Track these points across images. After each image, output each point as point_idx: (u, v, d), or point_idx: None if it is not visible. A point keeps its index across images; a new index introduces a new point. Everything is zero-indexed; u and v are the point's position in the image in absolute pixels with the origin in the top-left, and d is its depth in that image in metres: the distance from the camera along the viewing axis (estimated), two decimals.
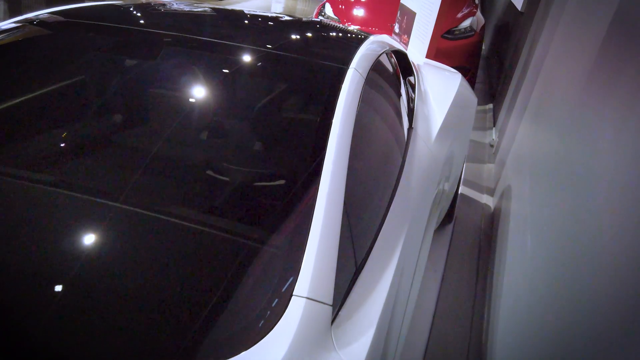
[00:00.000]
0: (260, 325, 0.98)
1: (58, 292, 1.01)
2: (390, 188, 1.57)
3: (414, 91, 2.36)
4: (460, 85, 2.93)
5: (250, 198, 1.31)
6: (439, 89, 2.72)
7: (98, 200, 1.20)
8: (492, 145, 4.62)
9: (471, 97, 3.21)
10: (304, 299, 1.02)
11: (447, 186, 2.53)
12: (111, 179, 1.29)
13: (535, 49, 3.71)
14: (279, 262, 1.11)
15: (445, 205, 2.85)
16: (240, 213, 1.26)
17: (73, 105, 1.62)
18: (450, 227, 3.17)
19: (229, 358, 0.91)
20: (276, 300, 1.02)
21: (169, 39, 1.76)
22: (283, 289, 1.03)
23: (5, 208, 1.20)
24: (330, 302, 1.07)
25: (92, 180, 1.30)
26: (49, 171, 1.34)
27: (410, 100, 2.21)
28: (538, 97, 3.19)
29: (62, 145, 1.46)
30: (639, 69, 1.41)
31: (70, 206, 1.20)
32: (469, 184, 3.82)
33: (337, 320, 1.09)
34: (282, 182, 1.37)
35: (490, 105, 5.68)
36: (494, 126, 4.98)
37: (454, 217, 3.24)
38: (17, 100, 1.59)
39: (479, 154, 4.39)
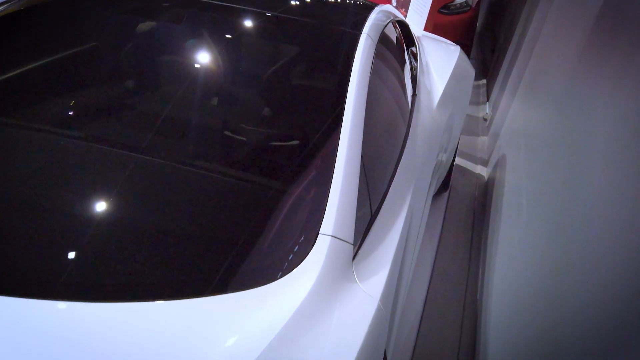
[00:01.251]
0: (291, 258, 1.10)
1: (108, 228, 1.12)
2: (398, 147, 1.69)
3: (415, 61, 2.46)
4: (459, 57, 3.03)
5: (280, 149, 1.42)
6: (439, 60, 2.82)
7: (140, 154, 1.31)
8: (485, 119, 4.74)
9: (469, 69, 3.32)
10: (329, 237, 1.14)
11: (444, 157, 2.65)
12: (153, 132, 1.39)
13: (530, 23, 3.80)
14: (307, 205, 1.23)
15: (442, 174, 2.98)
16: (273, 163, 1.38)
17: (98, 64, 1.70)
18: (446, 194, 3.30)
19: (265, 284, 1.03)
20: (305, 237, 1.14)
21: (188, 3, 1.85)
22: (311, 228, 1.15)
23: (38, 158, 1.30)
24: (352, 241, 1.19)
25: (133, 132, 1.40)
26: (78, 125, 1.43)
27: (413, 69, 2.32)
28: (532, 71, 3.29)
29: (89, 102, 1.55)
30: (632, 41, 1.51)
31: (112, 155, 1.31)
32: (464, 155, 3.95)
33: (357, 257, 1.21)
34: (307, 134, 1.48)
35: (484, 81, 5.79)
36: (488, 100, 5.10)
37: (450, 186, 3.37)
38: (39, 62, 1.66)
39: (473, 127, 4.51)
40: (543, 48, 3.14)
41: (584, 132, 1.69)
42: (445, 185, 3.29)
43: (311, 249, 1.11)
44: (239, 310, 0.98)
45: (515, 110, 3.50)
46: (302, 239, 1.14)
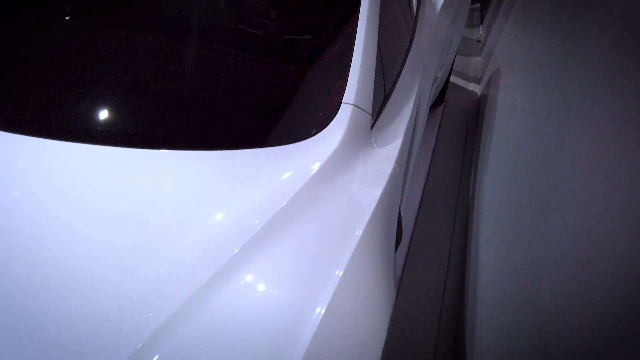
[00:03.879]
0: (319, 122, 1.23)
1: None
2: (408, 37, 1.79)
3: None
4: None
5: (308, 30, 1.52)
6: None
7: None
8: (479, 41, 4.81)
9: None
10: (351, 105, 1.26)
11: (441, 73, 2.75)
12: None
13: None
14: (331, 78, 1.34)
15: (438, 88, 3.09)
16: (302, 42, 1.49)
17: None
18: (440, 108, 3.43)
19: (298, 141, 1.17)
20: (330, 105, 1.27)
21: None
22: (335, 98, 1.28)
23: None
24: (370, 112, 1.32)
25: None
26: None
27: None
28: None
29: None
30: None
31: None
32: (458, 74, 4.05)
33: (374, 127, 1.35)
34: (331, 16, 1.57)
35: (478, 5, 5.80)
36: (482, 23, 5.14)
37: (444, 100, 3.49)
38: None
39: (466, 48, 4.58)
40: None
41: (577, 48, 1.73)
42: (440, 99, 3.41)
43: (335, 115, 1.24)
44: (278, 160, 1.12)
45: (508, 32, 3.57)
46: (328, 106, 1.26)
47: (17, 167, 1.04)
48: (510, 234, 1.83)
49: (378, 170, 1.25)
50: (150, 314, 0.84)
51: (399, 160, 1.32)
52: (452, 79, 3.84)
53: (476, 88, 3.88)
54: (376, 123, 1.37)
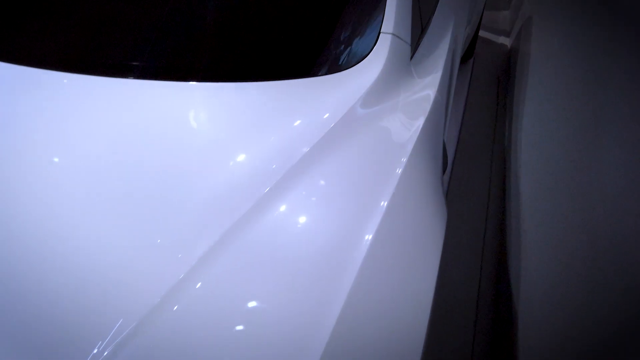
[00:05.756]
0: (360, 51, 1.23)
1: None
2: None
3: None
4: None
5: None
6: None
7: None
8: None
9: None
10: (390, 35, 1.26)
11: (469, 29, 2.70)
12: None
13: None
14: (369, 8, 1.34)
15: (468, 39, 3.04)
16: None
17: None
18: (471, 61, 3.38)
19: (342, 71, 1.18)
20: (370, 35, 1.27)
21: None
22: (374, 27, 1.28)
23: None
24: (409, 42, 1.32)
25: None
26: None
27: None
28: None
29: None
30: None
31: None
32: (486, 28, 3.97)
33: (413, 58, 1.35)
34: None
35: None
36: None
37: (474, 53, 3.44)
38: None
39: (494, 2, 4.48)
40: None
41: None
42: (469, 53, 3.35)
43: (375, 45, 1.24)
44: (318, 92, 1.13)
45: None
46: (367, 36, 1.27)
47: (41, 103, 1.05)
48: (549, 180, 1.82)
49: (420, 98, 1.25)
50: (180, 255, 0.83)
51: (440, 90, 1.32)
52: (481, 33, 3.77)
53: (505, 41, 3.80)
54: (415, 54, 1.37)
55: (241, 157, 0.98)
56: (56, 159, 0.98)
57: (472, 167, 2.47)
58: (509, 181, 2.29)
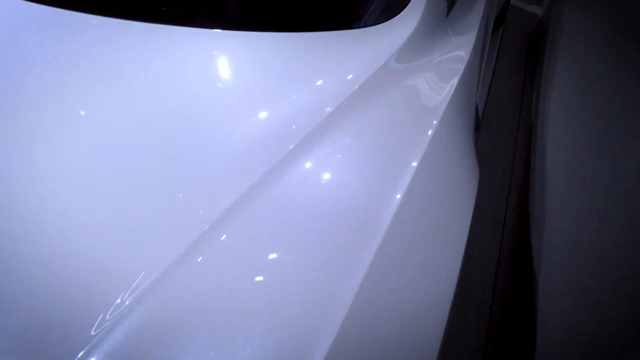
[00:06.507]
0: (396, 5, 1.18)
1: None
2: None
3: None
4: None
5: None
6: None
7: None
8: None
9: None
10: None
11: None
12: None
13: None
14: None
15: (499, 7, 2.93)
16: None
17: None
18: (500, 30, 3.27)
19: (380, 23, 1.13)
20: None
21: None
22: None
23: None
24: None
25: None
26: None
27: None
28: None
29: None
30: None
31: None
32: None
33: (449, 16, 1.29)
34: None
35: None
36: None
37: (504, 22, 3.32)
38: None
39: None
40: None
41: None
42: (500, 21, 3.24)
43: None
44: (352, 44, 1.09)
45: None
46: None
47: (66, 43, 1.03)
48: (570, 146, 1.76)
49: (455, 56, 1.20)
50: (201, 211, 0.81)
51: (475, 49, 1.27)
52: (512, 1, 3.64)
53: (537, 10, 3.67)
54: (450, 12, 1.31)
55: (264, 114, 0.95)
56: (82, 112, 0.95)
57: (497, 138, 2.41)
58: (534, 155, 2.23)
